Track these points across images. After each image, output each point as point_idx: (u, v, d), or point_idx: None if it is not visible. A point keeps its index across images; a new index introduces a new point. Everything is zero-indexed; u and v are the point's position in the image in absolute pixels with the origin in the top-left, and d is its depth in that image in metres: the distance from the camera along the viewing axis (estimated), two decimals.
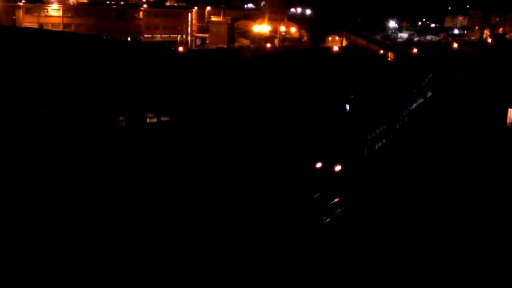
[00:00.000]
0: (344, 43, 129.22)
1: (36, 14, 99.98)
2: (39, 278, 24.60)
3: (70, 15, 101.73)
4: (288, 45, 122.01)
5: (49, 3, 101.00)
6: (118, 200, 31.88)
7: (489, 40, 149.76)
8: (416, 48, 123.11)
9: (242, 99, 55.91)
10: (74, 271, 25.43)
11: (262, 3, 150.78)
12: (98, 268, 26.03)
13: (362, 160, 43.09)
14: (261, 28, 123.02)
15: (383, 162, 45.86)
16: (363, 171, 42.21)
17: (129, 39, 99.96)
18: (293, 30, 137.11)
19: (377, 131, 46.54)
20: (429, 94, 65.83)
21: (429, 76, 79.23)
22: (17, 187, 32.03)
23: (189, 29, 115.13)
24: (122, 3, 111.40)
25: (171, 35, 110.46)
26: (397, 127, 52.97)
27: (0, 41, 50.57)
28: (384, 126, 49.40)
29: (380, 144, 47.67)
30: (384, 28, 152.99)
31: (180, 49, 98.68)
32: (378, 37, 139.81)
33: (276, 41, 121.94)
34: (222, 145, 43.30)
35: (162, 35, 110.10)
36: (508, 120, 63.63)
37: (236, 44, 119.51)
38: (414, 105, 58.72)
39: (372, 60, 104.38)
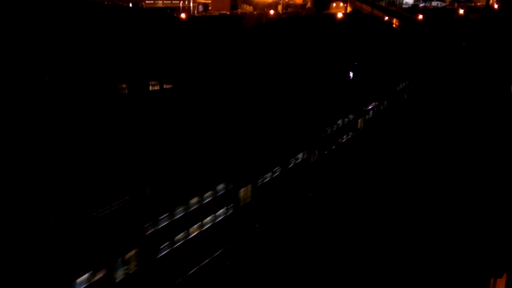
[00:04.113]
0: (349, 9, 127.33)
1: None
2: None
3: None
4: (291, 12, 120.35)
5: None
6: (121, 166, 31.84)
7: (496, 6, 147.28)
8: (421, 14, 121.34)
9: (244, 67, 55.46)
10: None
11: None
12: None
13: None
14: None
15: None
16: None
17: (130, 5, 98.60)
18: None
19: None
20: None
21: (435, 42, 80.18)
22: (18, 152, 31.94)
23: None
24: None
25: (173, 1, 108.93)
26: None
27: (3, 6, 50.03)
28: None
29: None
30: None
31: (183, 15, 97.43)
32: (383, 3, 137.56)
33: (280, 8, 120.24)
34: (225, 113, 43.12)
35: (164, 1, 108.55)
36: None
37: (239, 10, 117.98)
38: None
39: (376, 27, 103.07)
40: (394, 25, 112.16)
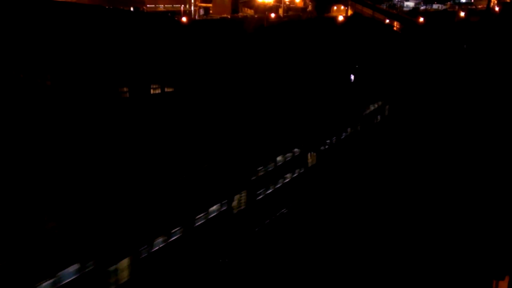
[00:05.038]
0: (350, 12, 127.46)
1: None
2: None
3: None
4: (292, 15, 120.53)
5: None
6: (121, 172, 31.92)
7: (497, 8, 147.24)
8: (422, 17, 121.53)
9: (245, 70, 55.53)
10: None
11: None
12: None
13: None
14: None
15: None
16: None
17: (131, 9, 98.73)
18: None
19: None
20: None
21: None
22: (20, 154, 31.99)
23: None
24: None
25: (174, 5, 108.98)
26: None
27: (1, 10, 50.10)
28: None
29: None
30: None
31: (184, 19, 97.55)
32: (384, 6, 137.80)
33: (281, 11, 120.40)
34: (227, 117, 43.17)
35: (165, 5, 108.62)
36: None
37: (240, 14, 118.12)
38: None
39: (377, 30, 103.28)
40: (395, 28, 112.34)
